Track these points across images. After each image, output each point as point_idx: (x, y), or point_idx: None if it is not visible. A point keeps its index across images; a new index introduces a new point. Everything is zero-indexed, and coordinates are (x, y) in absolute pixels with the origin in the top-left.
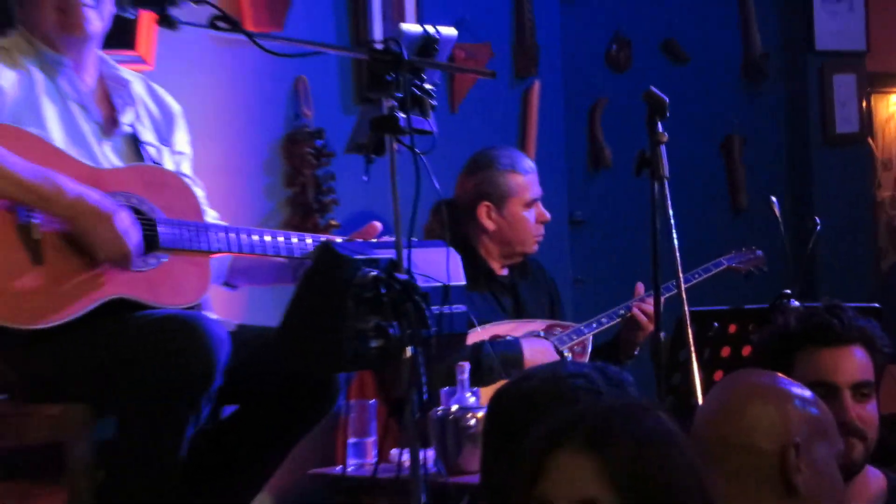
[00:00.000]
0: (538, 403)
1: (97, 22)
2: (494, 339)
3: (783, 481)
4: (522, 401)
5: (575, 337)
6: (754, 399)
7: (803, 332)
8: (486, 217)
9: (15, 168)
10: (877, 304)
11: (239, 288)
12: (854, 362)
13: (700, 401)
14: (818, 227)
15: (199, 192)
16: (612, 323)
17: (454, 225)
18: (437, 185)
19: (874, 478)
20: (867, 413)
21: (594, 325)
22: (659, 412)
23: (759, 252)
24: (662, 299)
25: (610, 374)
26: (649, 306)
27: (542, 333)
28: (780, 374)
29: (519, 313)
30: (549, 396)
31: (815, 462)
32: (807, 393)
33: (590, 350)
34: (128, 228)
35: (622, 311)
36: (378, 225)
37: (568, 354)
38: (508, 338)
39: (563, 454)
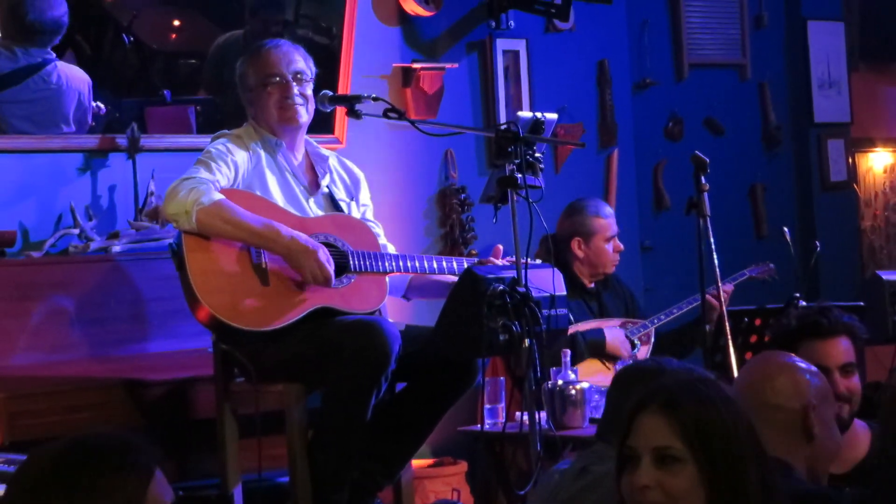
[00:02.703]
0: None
1: (306, 116)
2: (585, 332)
3: (804, 431)
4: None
5: (642, 329)
6: (782, 372)
7: (800, 330)
8: (577, 248)
9: (246, 219)
10: (861, 303)
11: (412, 300)
12: (840, 349)
13: (735, 373)
14: (818, 249)
15: (379, 231)
16: (668, 318)
17: (556, 252)
18: (544, 225)
19: (861, 428)
20: (852, 384)
21: (655, 321)
22: (717, 382)
23: (772, 265)
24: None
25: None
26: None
27: (618, 327)
28: (793, 354)
29: (602, 314)
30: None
31: (824, 418)
32: (813, 368)
33: (653, 340)
34: (327, 259)
35: (675, 311)
36: (500, 247)
37: (637, 342)
38: (595, 329)
39: (644, 415)
